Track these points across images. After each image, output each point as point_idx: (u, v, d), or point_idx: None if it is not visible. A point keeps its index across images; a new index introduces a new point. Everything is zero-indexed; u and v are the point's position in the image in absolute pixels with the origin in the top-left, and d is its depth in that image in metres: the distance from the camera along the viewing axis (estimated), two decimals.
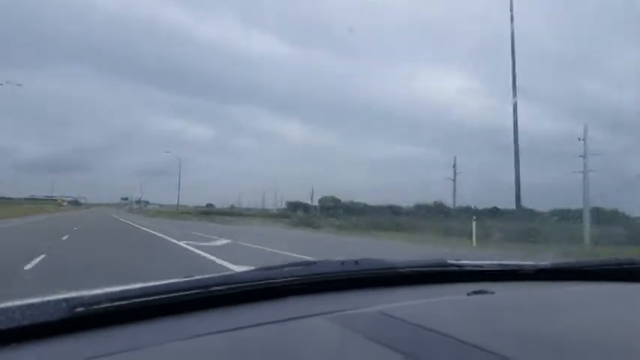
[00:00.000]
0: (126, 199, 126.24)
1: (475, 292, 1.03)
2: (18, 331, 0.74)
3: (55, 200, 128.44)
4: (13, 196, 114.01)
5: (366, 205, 69.93)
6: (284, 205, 78.83)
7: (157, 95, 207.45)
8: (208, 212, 67.32)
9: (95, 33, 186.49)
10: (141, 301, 0.86)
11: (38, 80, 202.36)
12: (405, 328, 0.75)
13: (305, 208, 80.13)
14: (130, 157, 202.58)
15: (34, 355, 0.72)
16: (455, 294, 1.05)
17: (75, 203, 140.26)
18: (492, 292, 1.04)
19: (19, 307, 0.77)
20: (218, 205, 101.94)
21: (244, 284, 1.00)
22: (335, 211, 70.29)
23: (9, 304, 0.78)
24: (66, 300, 0.81)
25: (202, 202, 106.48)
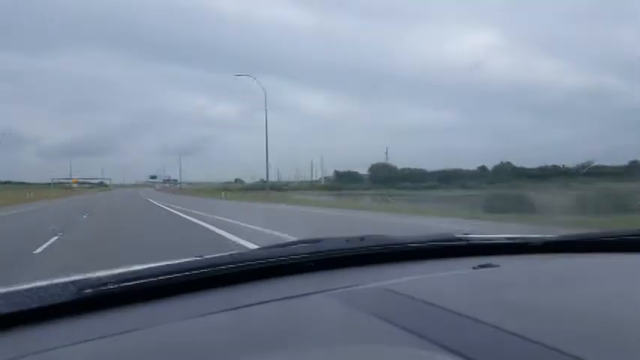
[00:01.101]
0: (154, 177, 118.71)
1: (481, 266, 1.02)
2: (27, 314, 0.76)
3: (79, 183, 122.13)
4: (35, 181, 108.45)
5: (425, 172, 61.61)
6: (323, 175, 71.18)
7: (181, 72, 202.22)
8: (252, 188, 59.70)
9: (115, 13, 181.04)
10: (148, 282, 0.87)
11: (61, 64, 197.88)
12: (406, 304, 0.75)
13: (354, 177, 72.77)
14: (156, 137, 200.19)
15: (44, 336, 0.73)
16: (460, 268, 1.04)
17: (101, 185, 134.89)
18: (497, 266, 1.03)
19: (28, 290, 0.79)
20: (247, 180, 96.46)
21: (252, 262, 1.01)
22: (393, 181, 62.47)
23: (17, 287, 0.79)
24: (73, 282, 0.81)
25: (230, 178, 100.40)
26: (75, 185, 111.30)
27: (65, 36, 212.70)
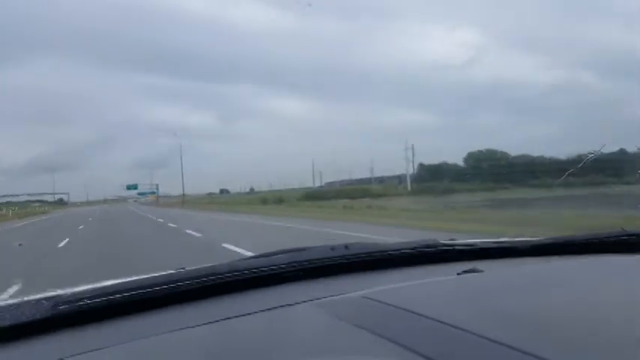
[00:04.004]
0: (134, 187, 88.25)
1: (465, 272, 1.01)
2: (1, 332, 0.74)
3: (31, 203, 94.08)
4: None
5: (558, 160, 40.64)
6: (410, 172, 48.15)
7: (151, 82, 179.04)
8: (314, 196, 36.48)
9: (80, 21, 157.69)
10: (126, 296, 0.86)
11: (20, 76, 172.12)
12: (388, 312, 0.73)
13: (451, 172, 50.79)
14: (128, 149, 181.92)
15: (16, 354, 0.72)
16: (444, 274, 1.03)
17: (59, 203, 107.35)
18: (482, 271, 1.01)
19: (1, 308, 0.77)
20: (233, 190, 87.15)
21: (234, 274, 0.99)
22: (507, 174, 41.26)
23: None
24: (47, 298, 0.80)
25: (210, 189, 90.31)
26: None
27: (26, 46, 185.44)
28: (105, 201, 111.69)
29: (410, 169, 45.48)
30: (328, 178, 63.59)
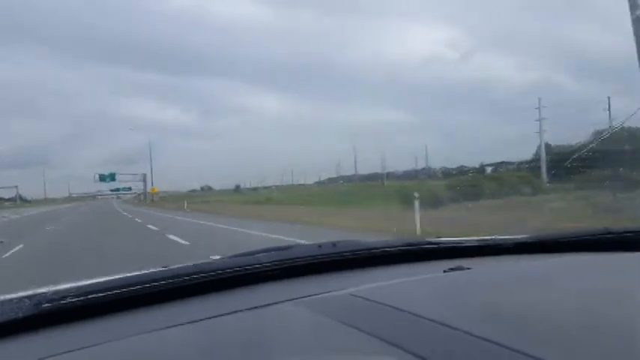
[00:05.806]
0: (110, 177, 68.10)
1: (451, 269, 1.02)
2: None
3: None
4: None
5: None
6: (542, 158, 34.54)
7: (126, 75, 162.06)
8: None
9: (46, 7, 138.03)
10: (109, 295, 0.85)
11: None
12: (375, 310, 0.73)
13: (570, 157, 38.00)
14: (97, 145, 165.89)
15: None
16: (430, 272, 1.04)
17: (13, 201, 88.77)
18: (469, 268, 1.03)
19: None
20: (216, 187, 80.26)
21: (218, 272, 0.98)
22: None
23: None
24: (29, 297, 0.79)
25: (190, 186, 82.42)
26: None
27: None
28: (68, 199, 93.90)
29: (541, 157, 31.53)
30: (325, 175, 53.54)
